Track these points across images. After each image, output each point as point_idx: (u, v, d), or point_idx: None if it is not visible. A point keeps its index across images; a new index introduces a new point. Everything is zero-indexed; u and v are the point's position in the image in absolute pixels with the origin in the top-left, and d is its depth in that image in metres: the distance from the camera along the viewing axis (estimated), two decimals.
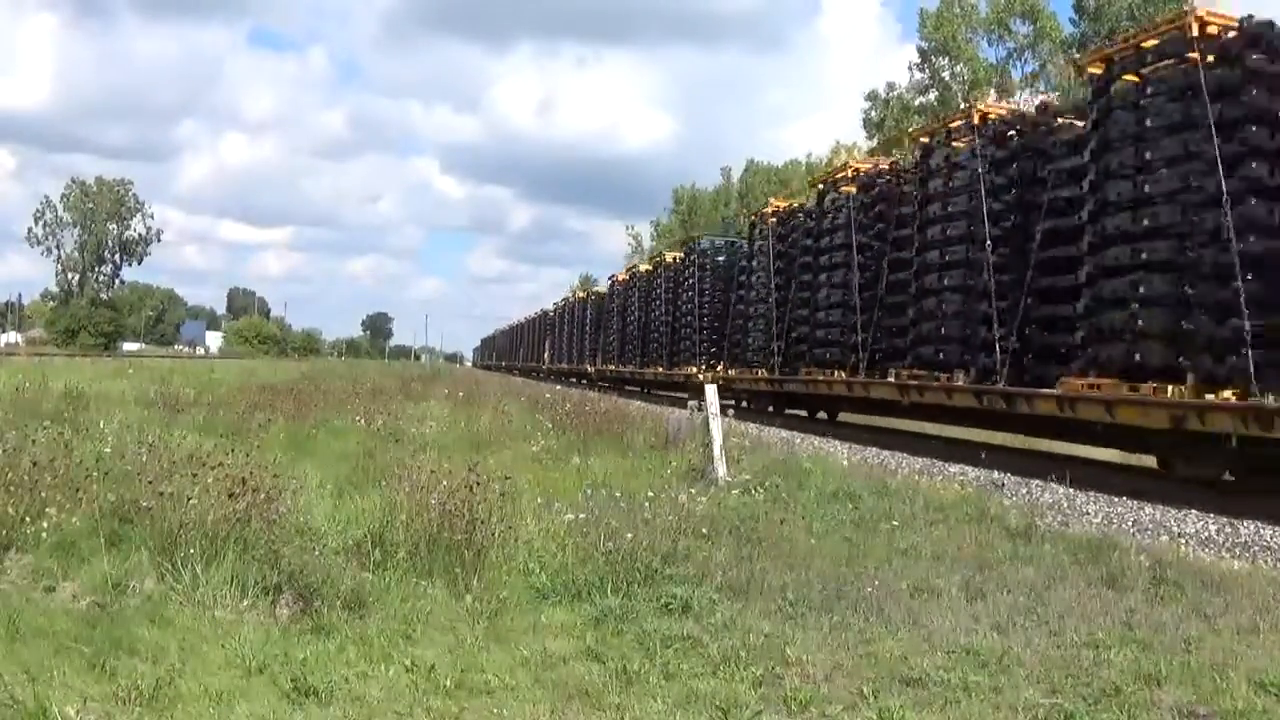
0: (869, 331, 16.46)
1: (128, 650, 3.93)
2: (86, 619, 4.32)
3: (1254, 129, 9.89)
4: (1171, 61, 10.83)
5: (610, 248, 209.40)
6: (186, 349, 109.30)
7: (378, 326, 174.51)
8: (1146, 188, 10.81)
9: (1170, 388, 10.25)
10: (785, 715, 3.70)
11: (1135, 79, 11.23)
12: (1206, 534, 8.15)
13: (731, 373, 23.05)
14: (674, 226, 78.64)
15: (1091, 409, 11.24)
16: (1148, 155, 10.85)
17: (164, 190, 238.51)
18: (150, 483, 5.60)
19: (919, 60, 50.24)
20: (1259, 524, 8.41)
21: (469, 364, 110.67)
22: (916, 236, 15.39)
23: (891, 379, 15.57)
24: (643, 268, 36.51)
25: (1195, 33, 10.29)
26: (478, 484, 5.70)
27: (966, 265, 14.12)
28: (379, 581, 4.96)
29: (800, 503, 7.96)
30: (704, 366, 26.34)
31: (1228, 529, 8.32)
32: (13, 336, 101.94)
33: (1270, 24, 10.32)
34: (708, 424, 9.64)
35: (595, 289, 47.69)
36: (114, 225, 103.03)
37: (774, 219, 22.10)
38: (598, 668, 4.07)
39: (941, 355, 14.46)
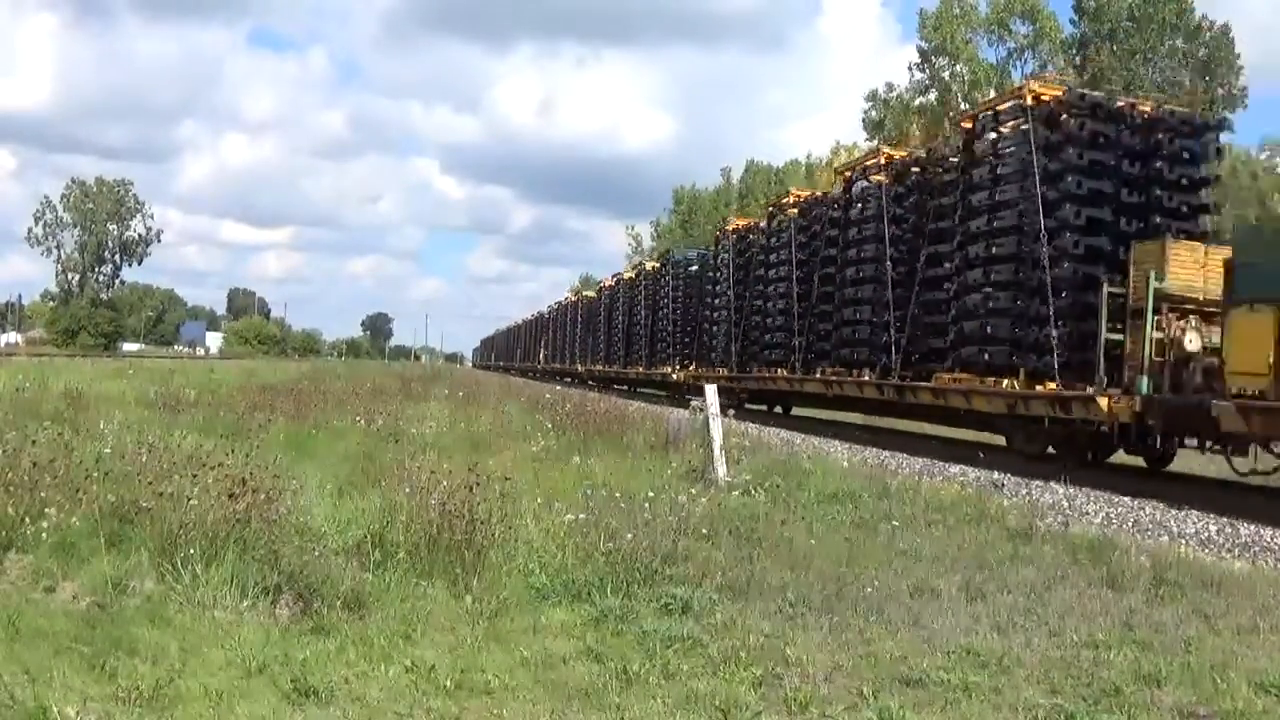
0: (804, 336, 19.74)
1: (128, 650, 3.93)
2: (86, 619, 4.32)
3: (1069, 178, 12.67)
4: (1016, 122, 13.77)
5: (611, 248, 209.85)
6: (186, 349, 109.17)
7: (378, 327, 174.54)
8: (995, 222, 13.92)
9: (1007, 381, 13.36)
10: (785, 715, 3.70)
11: (994, 135, 14.37)
12: (1206, 534, 8.16)
13: (700, 371, 26.03)
14: (674, 227, 78.60)
15: (956, 398, 14.49)
16: (998, 197, 13.97)
17: (164, 190, 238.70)
18: (150, 483, 5.60)
19: (919, 61, 50.25)
20: (1259, 524, 8.42)
21: (469, 364, 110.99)
22: (839, 256, 18.71)
23: (818, 376, 19.00)
24: (626, 275, 39.66)
25: (1030, 101, 13.35)
26: (477, 484, 5.70)
27: (875, 281, 17.19)
28: (379, 582, 4.96)
29: (800, 503, 7.95)
30: (677, 366, 29.44)
31: (1228, 529, 8.32)
32: (13, 337, 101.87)
33: (1082, 95, 13.49)
34: (708, 424, 9.63)
35: (585, 294, 50.23)
36: (114, 226, 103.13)
37: (734, 235, 25.65)
38: (598, 668, 4.07)
39: (855, 356, 17.81)
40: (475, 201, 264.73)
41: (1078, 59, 43.50)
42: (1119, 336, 11.62)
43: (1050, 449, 13.36)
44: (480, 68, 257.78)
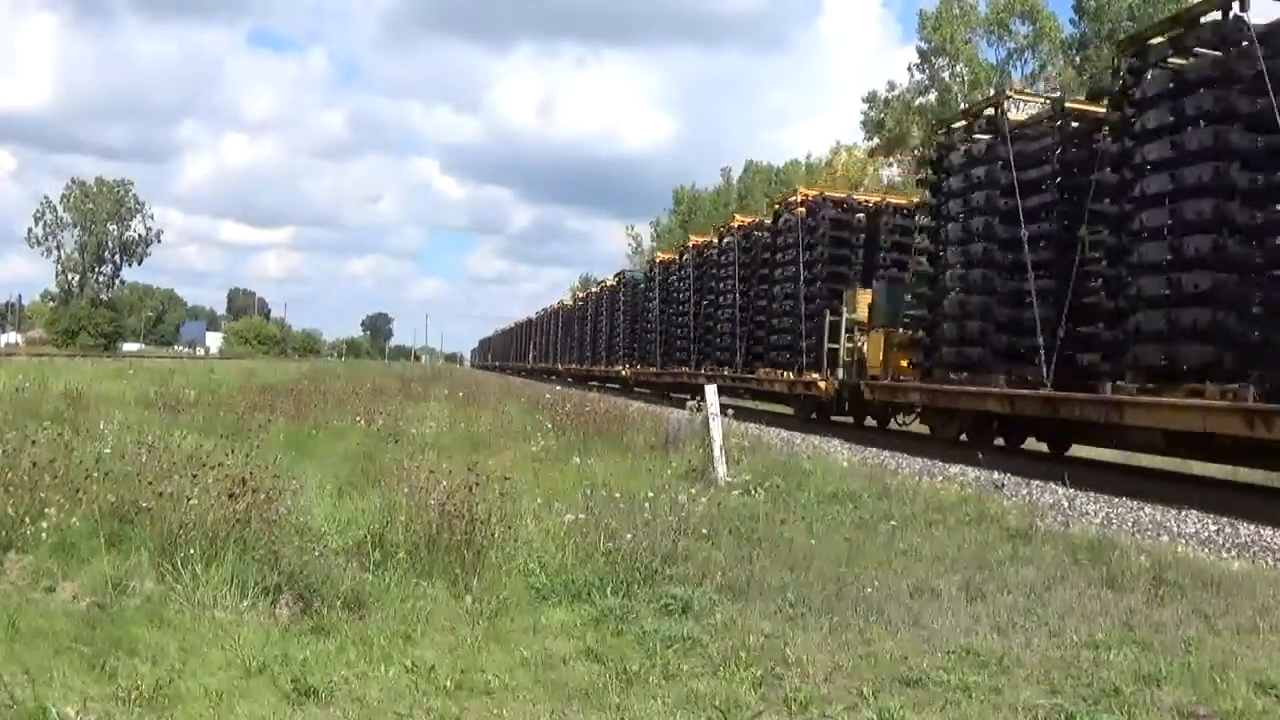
0: (699, 344, 28.48)
1: (128, 650, 3.93)
2: (86, 619, 4.32)
3: (818, 248, 21.09)
4: (796, 211, 21.98)
5: (611, 248, 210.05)
6: (186, 349, 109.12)
7: (378, 327, 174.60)
8: (784, 274, 22.20)
9: (786, 373, 21.64)
10: (785, 716, 3.70)
11: (787, 216, 22.53)
12: (1206, 534, 8.15)
13: (640, 368, 35.37)
14: (674, 227, 78.55)
15: (764, 385, 23.26)
16: (785, 257, 22.30)
17: (164, 191, 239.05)
18: (150, 483, 5.59)
19: (919, 61, 50.25)
20: (1259, 524, 8.41)
21: (468, 364, 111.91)
22: (714, 288, 27.39)
23: (703, 371, 26.46)
24: (594, 290, 48.21)
25: (800, 199, 22.41)
26: (477, 484, 5.70)
27: (731, 308, 25.54)
28: (379, 582, 4.95)
29: (800, 503, 7.95)
30: (626, 365, 37.64)
31: (1228, 529, 8.31)
32: (13, 337, 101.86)
33: (824, 196, 22.09)
34: (707, 424, 9.63)
35: (565, 303, 57.55)
36: (114, 226, 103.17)
37: (660, 265, 34.64)
38: (598, 668, 4.07)
39: (723, 357, 26.12)
40: (475, 202, 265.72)
41: (1078, 59, 43.51)
42: (837, 346, 19.10)
43: (814, 414, 20.67)
44: (480, 68, 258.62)
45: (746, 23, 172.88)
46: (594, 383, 42.50)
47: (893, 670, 4.13)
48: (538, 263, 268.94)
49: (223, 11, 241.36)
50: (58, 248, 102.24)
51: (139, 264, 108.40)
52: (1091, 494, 10.02)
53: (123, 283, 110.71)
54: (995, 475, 11.24)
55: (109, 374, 22.37)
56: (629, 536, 5.57)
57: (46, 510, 5.26)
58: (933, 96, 49.34)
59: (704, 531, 6.38)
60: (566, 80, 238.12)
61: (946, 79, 49.20)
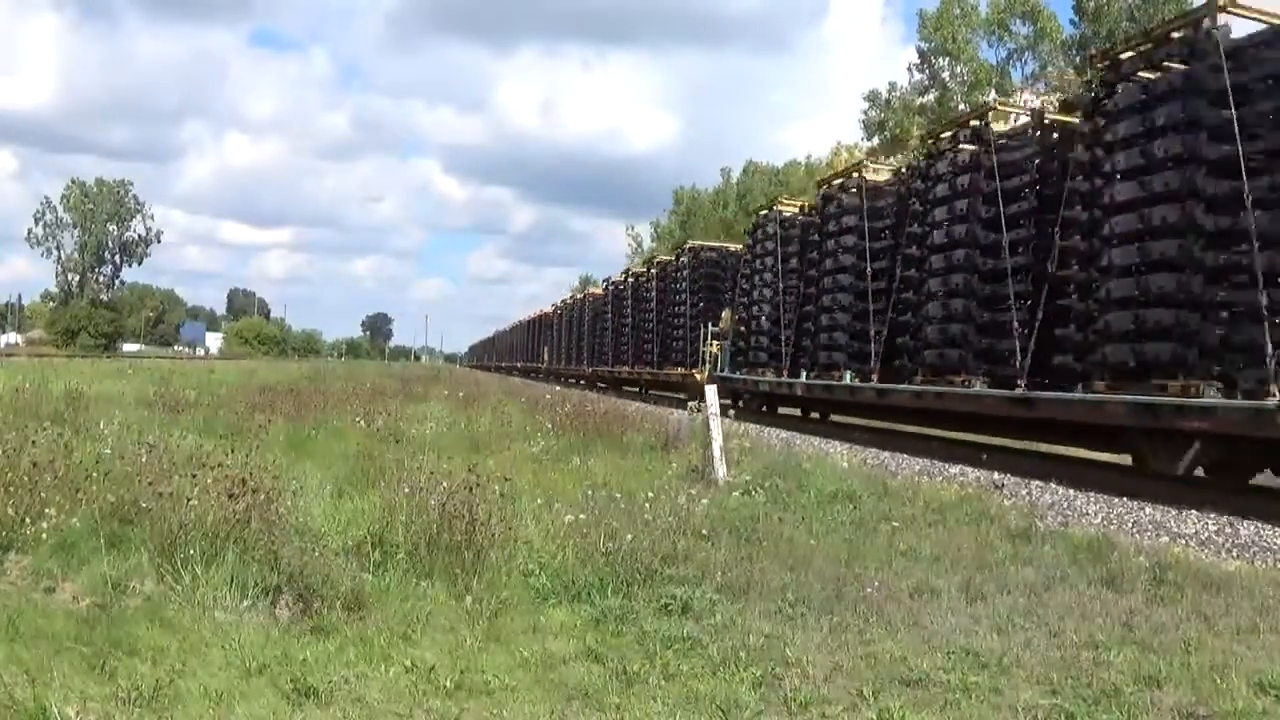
0: (656, 347, 32.78)
1: (128, 651, 3.93)
2: (86, 620, 4.31)
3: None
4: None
5: (613, 248, 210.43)
6: (186, 350, 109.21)
7: (378, 327, 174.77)
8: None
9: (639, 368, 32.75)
10: (785, 716, 3.70)
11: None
12: (1206, 534, 8.14)
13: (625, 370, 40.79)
14: (673, 227, 78.45)
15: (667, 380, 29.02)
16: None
17: (166, 191, 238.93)
18: (150, 483, 5.59)
19: (919, 61, 50.23)
20: (1259, 524, 8.40)
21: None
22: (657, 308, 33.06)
23: (645, 368, 32.40)
24: (566, 299, 54.43)
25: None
26: (477, 485, 5.70)
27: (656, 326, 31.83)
28: (379, 582, 4.95)
29: (800, 504, 7.95)
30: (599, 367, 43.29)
31: (1228, 529, 8.31)
32: (13, 337, 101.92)
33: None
34: (708, 424, 9.63)
35: (543, 310, 61.82)
36: (114, 226, 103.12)
37: (631, 279, 39.72)
38: (598, 668, 4.07)
39: (676, 358, 29.81)
40: (477, 202, 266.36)
41: (1078, 59, 43.50)
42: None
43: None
44: (484, 69, 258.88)
45: (750, 24, 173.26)
46: (573, 379, 46.01)
47: (893, 670, 4.13)
48: (539, 263, 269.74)
49: (225, 12, 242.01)
50: (58, 248, 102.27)
51: (139, 264, 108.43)
52: (1091, 494, 10.01)
53: (123, 283, 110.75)
54: (995, 475, 11.24)
55: (109, 374, 22.37)
56: (629, 537, 5.58)
57: (46, 510, 5.26)
58: (932, 97, 49.29)
59: (704, 532, 6.38)
60: (570, 81, 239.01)
61: (947, 79, 49.15)
